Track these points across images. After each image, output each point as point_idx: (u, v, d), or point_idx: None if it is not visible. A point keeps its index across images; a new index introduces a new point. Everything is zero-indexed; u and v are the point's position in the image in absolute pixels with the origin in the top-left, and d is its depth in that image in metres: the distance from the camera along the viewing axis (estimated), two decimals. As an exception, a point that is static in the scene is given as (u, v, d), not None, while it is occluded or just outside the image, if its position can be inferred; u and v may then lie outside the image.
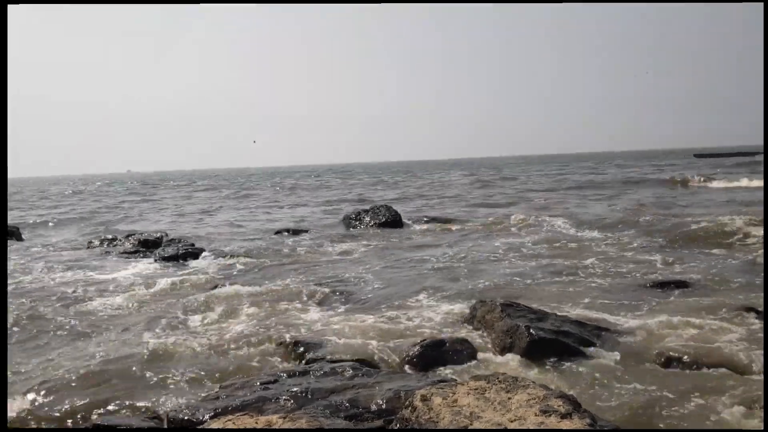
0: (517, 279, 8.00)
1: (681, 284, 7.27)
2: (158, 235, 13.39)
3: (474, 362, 4.98)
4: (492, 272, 8.53)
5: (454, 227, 14.45)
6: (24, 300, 7.71)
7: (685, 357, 4.75)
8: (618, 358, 4.90)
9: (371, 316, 6.32)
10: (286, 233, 14.57)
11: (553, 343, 5.12)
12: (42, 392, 4.44)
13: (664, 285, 7.27)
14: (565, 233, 12.25)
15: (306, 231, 14.84)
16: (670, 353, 4.83)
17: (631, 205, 17.42)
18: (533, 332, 5.20)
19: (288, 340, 5.38)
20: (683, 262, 8.69)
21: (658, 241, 10.61)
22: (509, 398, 3.28)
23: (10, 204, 33.83)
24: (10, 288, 8.49)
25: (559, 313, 5.86)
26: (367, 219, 15.50)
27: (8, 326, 6.44)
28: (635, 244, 10.33)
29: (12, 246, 14.00)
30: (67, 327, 6.43)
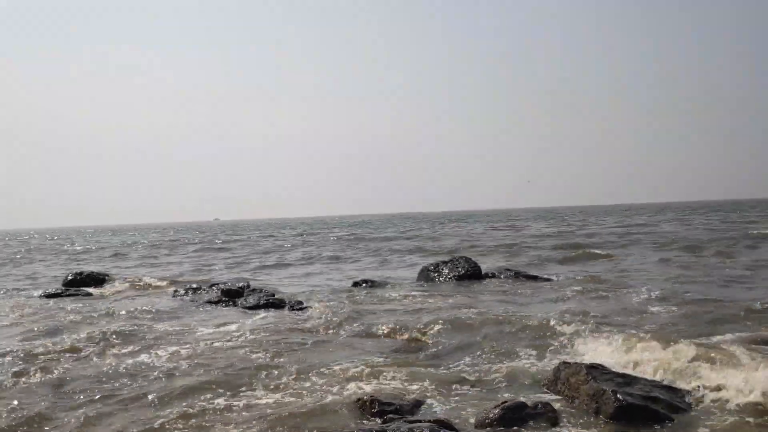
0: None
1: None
2: (241, 284, 13.74)
3: (556, 429, 4.77)
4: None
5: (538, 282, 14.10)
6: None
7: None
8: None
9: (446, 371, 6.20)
10: (364, 284, 14.63)
11: (642, 410, 4.85)
12: None
13: None
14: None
15: (386, 284, 14.84)
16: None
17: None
18: (620, 397, 4.94)
19: (365, 398, 5.33)
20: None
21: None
22: None
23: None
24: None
25: (648, 378, 5.56)
26: (446, 271, 15.35)
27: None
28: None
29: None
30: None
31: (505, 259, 20.33)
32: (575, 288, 12.00)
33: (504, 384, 5.97)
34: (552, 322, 8.09)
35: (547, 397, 5.46)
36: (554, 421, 4.88)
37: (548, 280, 14.52)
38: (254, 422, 5.02)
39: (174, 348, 7.93)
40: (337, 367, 6.63)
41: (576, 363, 5.77)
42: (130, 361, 7.27)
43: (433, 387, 5.87)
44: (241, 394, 5.88)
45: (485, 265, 16.75)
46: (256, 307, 11.10)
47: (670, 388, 5.34)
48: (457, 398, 5.55)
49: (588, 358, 6.39)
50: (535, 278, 14.71)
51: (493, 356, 6.98)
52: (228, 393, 5.89)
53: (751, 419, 4.70)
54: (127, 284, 16.86)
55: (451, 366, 6.71)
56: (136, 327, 9.36)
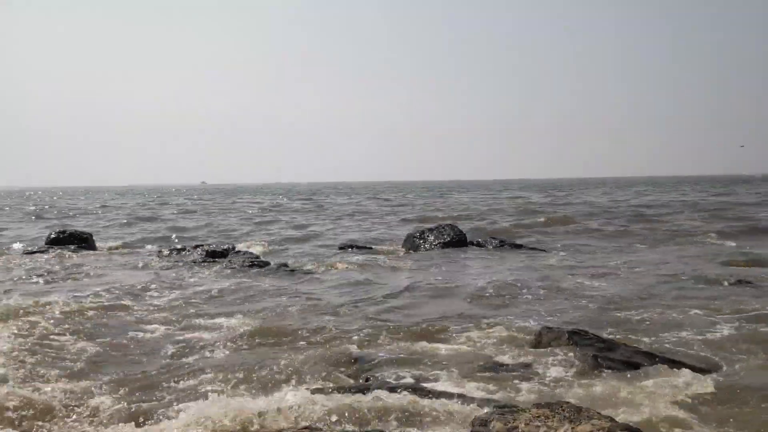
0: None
1: None
2: (225, 246, 13.69)
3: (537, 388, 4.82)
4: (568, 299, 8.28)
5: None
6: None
7: None
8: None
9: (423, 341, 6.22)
10: (350, 249, 14.67)
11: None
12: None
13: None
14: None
15: (369, 248, 14.90)
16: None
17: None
18: (601, 362, 5.00)
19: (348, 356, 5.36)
20: None
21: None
22: (572, 428, 3.15)
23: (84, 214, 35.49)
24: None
25: (628, 345, 5.61)
26: (431, 238, 15.38)
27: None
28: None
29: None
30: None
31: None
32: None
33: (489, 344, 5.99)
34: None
35: (531, 357, 5.47)
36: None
37: (534, 249, 14.62)
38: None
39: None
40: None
41: (558, 328, 5.82)
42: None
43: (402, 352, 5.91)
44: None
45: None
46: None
47: (651, 354, 5.39)
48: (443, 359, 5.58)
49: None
50: (519, 246, 14.80)
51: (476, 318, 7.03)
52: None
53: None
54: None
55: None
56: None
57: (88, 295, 8.58)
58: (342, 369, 5.21)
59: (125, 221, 27.12)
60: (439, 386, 4.66)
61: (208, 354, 5.80)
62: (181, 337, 6.42)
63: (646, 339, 6.03)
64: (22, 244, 16.48)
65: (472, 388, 4.63)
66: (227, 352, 5.85)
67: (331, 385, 4.70)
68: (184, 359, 5.62)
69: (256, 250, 14.60)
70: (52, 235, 16.23)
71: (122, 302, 8.17)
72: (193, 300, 8.38)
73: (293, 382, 4.88)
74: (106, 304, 8.04)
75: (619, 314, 7.17)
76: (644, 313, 7.13)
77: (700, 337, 6.03)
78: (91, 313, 7.46)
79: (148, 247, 16.54)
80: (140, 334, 6.56)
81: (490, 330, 6.40)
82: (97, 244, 16.54)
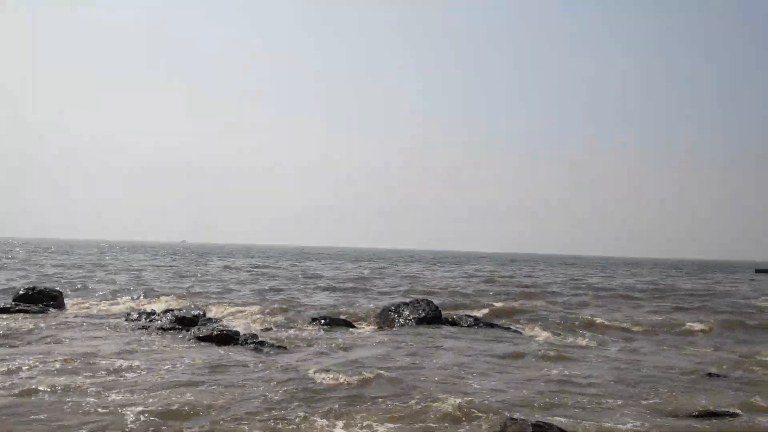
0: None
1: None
2: (195, 312, 13.49)
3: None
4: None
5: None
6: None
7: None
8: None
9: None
10: (323, 321, 14.48)
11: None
12: None
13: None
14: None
15: (351, 324, 14.69)
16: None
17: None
18: (563, 461, 4.91)
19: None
20: None
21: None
22: None
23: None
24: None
25: (593, 439, 5.53)
26: (406, 313, 15.32)
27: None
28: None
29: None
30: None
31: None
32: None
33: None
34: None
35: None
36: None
37: (507, 329, 14.58)
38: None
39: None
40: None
41: (522, 420, 5.74)
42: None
43: None
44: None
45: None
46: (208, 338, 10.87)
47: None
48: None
49: None
50: (492, 326, 14.74)
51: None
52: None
53: None
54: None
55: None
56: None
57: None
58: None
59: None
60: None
61: None
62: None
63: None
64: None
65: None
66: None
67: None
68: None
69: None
70: (21, 292, 15.93)
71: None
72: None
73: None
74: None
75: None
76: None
77: None
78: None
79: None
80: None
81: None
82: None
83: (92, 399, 6.72)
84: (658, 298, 25.35)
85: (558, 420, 6.30)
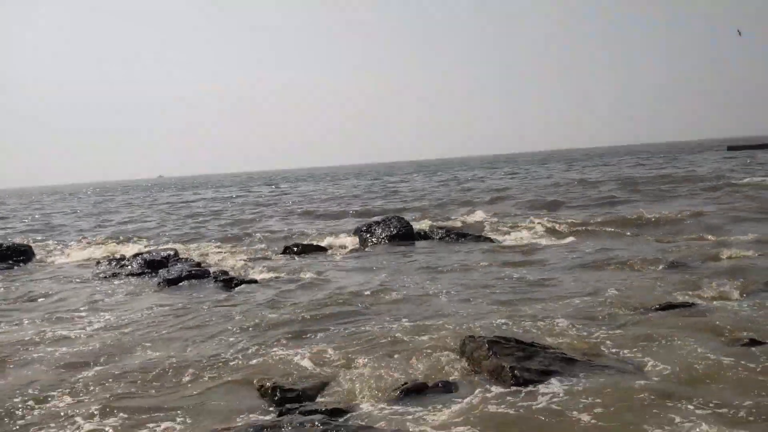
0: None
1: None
2: (165, 254, 13.39)
3: (456, 400, 4.82)
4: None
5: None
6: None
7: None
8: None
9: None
10: (296, 249, 14.48)
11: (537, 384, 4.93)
12: None
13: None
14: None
15: (324, 249, 14.69)
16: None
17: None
18: (518, 374, 5.01)
19: (267, 384, 5.25)
20: None
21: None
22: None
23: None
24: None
25: (550, 349, 5.63)
26: (378, 231, 15.38)
27: None
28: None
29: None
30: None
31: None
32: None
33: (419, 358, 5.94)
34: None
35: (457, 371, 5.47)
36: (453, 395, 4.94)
37: (478, 237, 14.72)
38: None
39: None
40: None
41: (480, 337, 5.81)
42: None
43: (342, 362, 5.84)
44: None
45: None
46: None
47: (570, 360, 5.41)
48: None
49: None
50: (464, 235, 14.86)
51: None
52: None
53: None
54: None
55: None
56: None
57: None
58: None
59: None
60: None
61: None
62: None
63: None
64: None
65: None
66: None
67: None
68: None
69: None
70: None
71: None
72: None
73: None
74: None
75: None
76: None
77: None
78: None
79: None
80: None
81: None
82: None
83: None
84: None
85: (515, 330, 6.42)
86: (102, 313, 8.71)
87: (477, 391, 4.96)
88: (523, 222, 16.73)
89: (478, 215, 19.51)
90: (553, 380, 4.91)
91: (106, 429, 4.71)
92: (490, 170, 62.69)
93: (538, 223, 16.03)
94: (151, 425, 4.73)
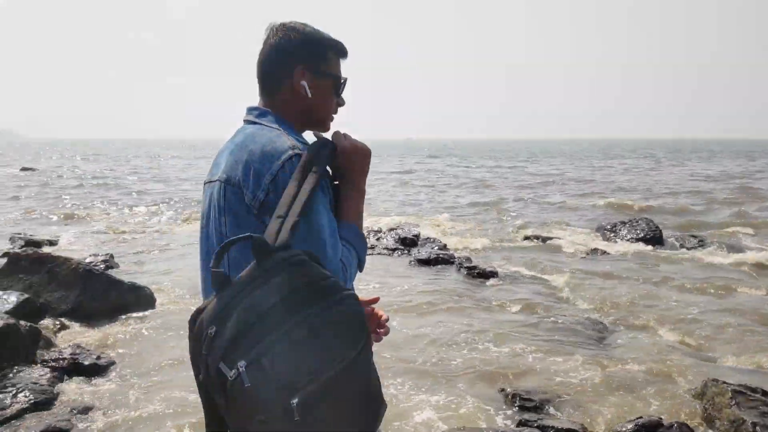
0: None
1: None
2: (415, 232, 14.61)
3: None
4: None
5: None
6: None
7: None
8: None
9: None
10: (537, 239, 14.86)
11: (783, 449, 4.86)
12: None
13: None
14: None
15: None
16: None
17: None
18: (759, 430, 4.99)
19: (508, 389, 5.88)
20: None
21: None
22: None
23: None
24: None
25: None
26: (624, 232, 15.15)
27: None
28: None
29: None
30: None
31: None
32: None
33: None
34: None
35: (690, 414, 5.57)
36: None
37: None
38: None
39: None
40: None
41: (724, 382, 5.78)
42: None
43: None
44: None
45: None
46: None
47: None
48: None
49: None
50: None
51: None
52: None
53: None
54: None
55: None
56: None
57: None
58: (501, 400, 5.75)
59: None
60: None
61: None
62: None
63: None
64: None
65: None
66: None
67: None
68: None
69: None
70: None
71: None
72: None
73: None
74: None
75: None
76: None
77: None
78: None
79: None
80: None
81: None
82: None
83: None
84: None
85: None
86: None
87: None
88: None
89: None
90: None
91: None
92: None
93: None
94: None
